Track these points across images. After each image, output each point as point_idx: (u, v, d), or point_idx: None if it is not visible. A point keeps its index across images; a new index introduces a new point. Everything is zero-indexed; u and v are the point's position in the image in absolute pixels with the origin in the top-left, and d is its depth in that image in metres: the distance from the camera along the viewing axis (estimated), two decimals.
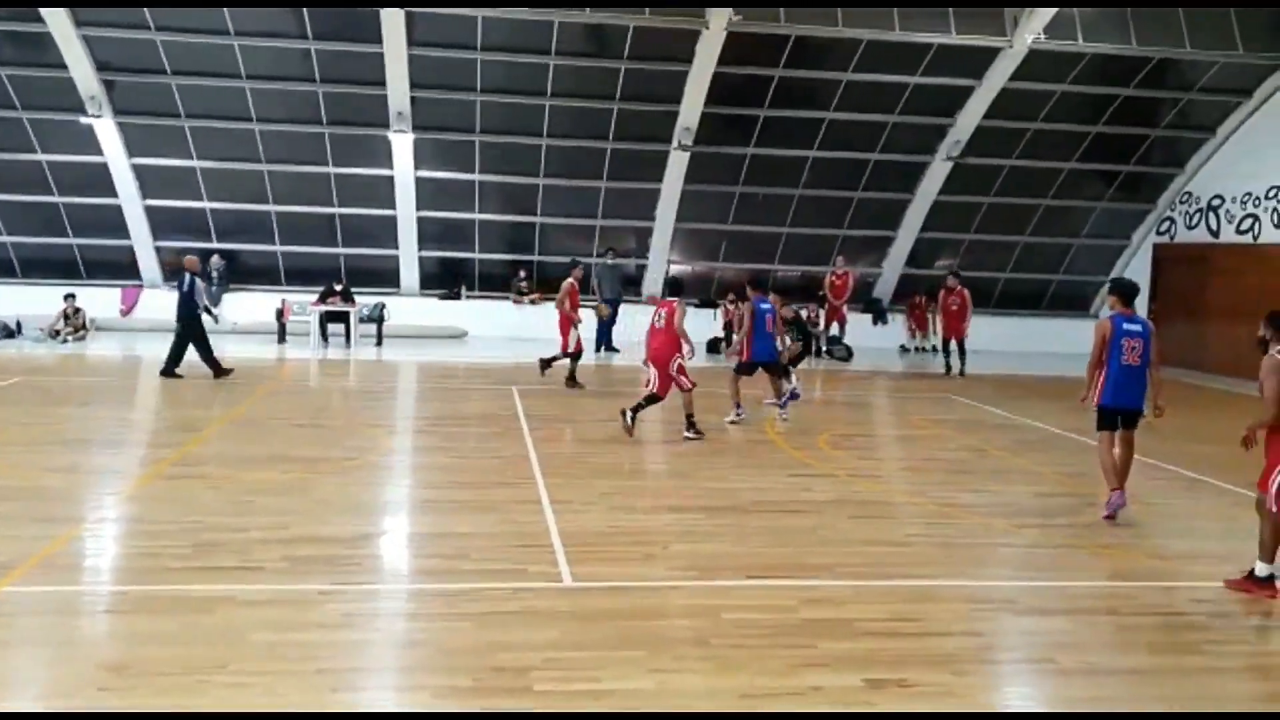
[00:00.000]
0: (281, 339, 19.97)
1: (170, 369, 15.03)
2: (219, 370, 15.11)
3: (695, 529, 8.17)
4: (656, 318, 12.33)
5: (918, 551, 7.93)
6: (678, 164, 20.67)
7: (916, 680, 5.40)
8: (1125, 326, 8.96)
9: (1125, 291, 9.17)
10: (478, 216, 21.78)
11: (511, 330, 21.55)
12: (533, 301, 22.05)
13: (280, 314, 20.19)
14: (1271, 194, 19.81)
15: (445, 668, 5.38)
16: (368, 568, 7.07)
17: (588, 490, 9.19)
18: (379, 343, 20.10)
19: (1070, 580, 7.27)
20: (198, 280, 15.51)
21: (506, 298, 22.17)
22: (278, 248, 21.72)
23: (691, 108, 19.81)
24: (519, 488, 9.21)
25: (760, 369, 13.30)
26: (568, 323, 15.92)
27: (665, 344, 12.06)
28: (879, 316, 22.98)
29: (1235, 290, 20.17)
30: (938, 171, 21.26)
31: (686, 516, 8.54)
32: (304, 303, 20.07)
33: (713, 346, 20.97)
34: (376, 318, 20.47)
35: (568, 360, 15.74)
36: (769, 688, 5.23)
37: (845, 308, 21.74)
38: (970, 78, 19.77)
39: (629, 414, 11.65)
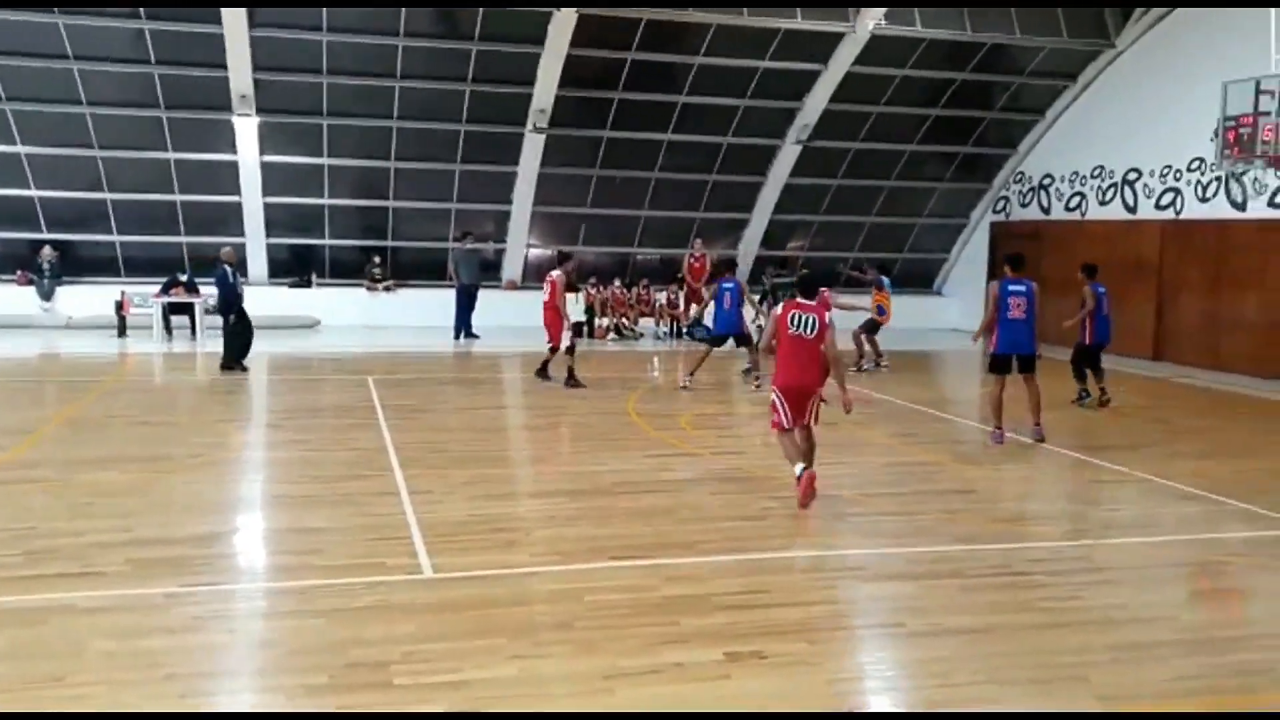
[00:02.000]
0: (122, 333, 19.07)
1: (240, 361, 15.31)
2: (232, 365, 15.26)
3: (557, 513, 8.18)
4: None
5: (773, 525, 8.12)
6: (533, 146, 20.55)
7: (773, 650, 5.54)
8: (1010, 288, 11.07)
9: (1012, 260, 11.41)
10: (327, 202, 21.24)
11: (366, 318, 21.14)
12: (387, 289, 21.66)
13: (120, 307, 19.26)
14: (1096, 173, 20.93)
15: (300, 667, 5.26)
16: (217, 568, 6.84)
17: (447, 480, 9.09)
18: None
19: (916, 546, 7.55)
20: (237, 273, 15.65)
21: (360, 285, 21.70)
22: (115, 237, 20.72)
23: (545, 90, 19.71)
24: (376, 479, 9.04)
25: (731, 339, 15.20)
26: (558, 318, 14.49)
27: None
28: None
29: (1066, 264, 21.12)
30: (788, 154, 21.72)
31: (548, 501, 8.55)
32: (145, 294, 19.20)
33: (575, 330, 20.91)
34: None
35: (561, 355, 14.60)
36: (630, 667, 5.28)
37: (704, 289, 22.01)
38: (816, 62, 20.24)
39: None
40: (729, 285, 15.07)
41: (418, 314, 21.18)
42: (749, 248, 23.27)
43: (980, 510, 8.72)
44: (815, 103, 20.85)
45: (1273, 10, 13.16)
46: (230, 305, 15.39)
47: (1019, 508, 9.12)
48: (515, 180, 21.22)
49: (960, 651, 5.65)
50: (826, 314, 8.67)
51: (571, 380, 14.39)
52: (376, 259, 21.82)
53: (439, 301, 20.70)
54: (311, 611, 5.99)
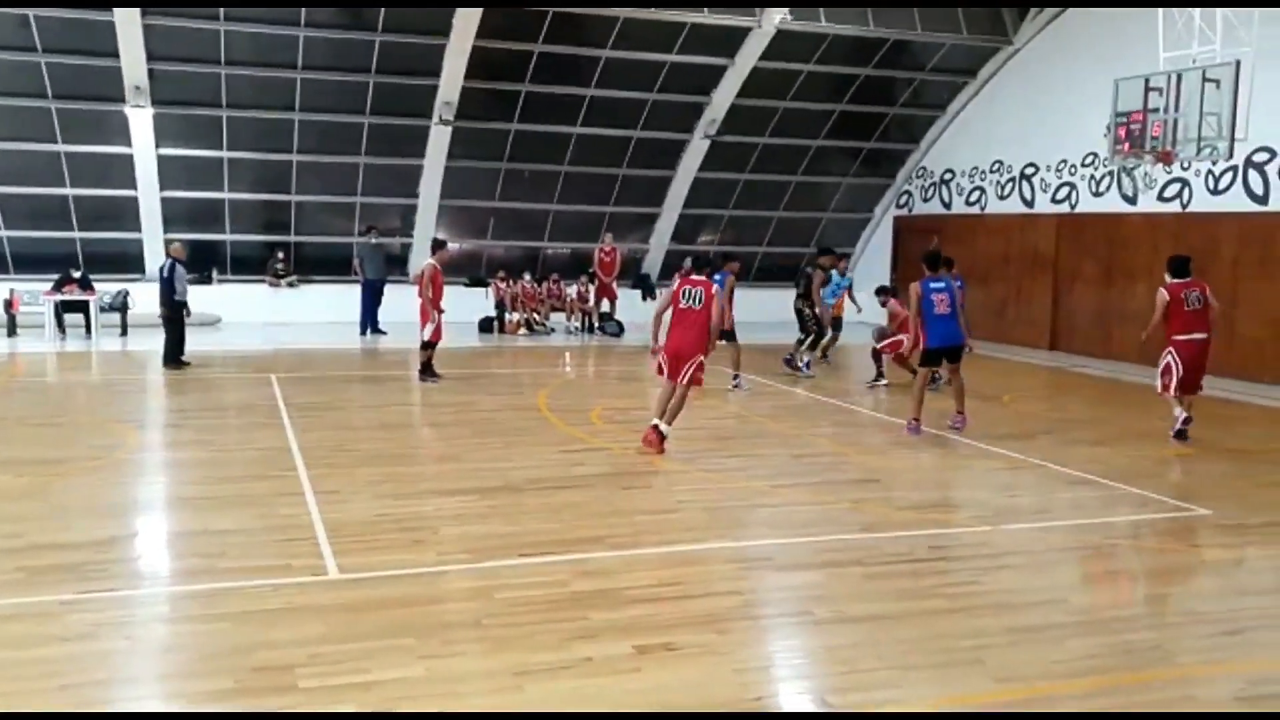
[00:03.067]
0: (11, 332, 18.38)
1: (176, 359, 15.25)
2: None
3: (466, 511, 8.13)
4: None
5: (684, 518, 8.20)
6: (439, 139, 20.35)
7: (682, 642, 5.60)
8: (931, 285, 11.60)
9: (928, 260, 12.10)
10: (228, 196, 20.74)
11: (269, 315, 20.72)
12: (291, 284, 21.25)
13: (8, 305, 18.56)
14: (995, 167, 21.51)
15: (204, 671, 5.15)
16: (116, 573, 6.64)
17: (353, 479, 8.98)
18: (124, 332, 18.86)
19: (822, 535, 7.69)
20: (179, 267, 15.26)
21: (263, 281, 21.25)
22: (3, 233, 19.94)
23: (451, 82, 19.52)
24: (280, 480, 8.89)
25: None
26: (427, 311, 14.22)
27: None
28: (648, 292, 23.45)
29: (966, 257, 21.69)
30: (696, 149, 21.87)
31: (457, 499, 8.49)
32: (36, 292, 18.54)
33: (485, 326, 20.88)
34: (120, 306, 19.15)
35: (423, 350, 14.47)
36: (541, 663, 5.29)
37: (615, 284, 22.08)
38: (723, 57, 20.41)
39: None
40: (716, 279, 14.51)
41: (322, 310, 20.82)
42: (660, 241, 23.38)
43: (883, 499, 8.91)
44: (723, 98, 21.02)
45: (1160, 10, 13.64)
46: (164, 300, 15.23)
47: (920, 496, 9.34)
48: (421, 173, 20.99)
49: (864, 638, 5.78)
50: (713, 289, 10.12)
51: (427, 372, 14.28)
52: (280, 254, 21.39)
53: (344, 297, 20.40)
54: (215, 615, 5.87)
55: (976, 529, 8.00)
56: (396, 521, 7.80)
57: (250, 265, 21.46)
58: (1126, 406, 14.11)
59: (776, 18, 19.39)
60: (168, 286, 15.22)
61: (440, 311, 14.19)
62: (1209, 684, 5.36)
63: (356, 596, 6.20)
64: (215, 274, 21.15)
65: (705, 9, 19.28)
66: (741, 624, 6.04)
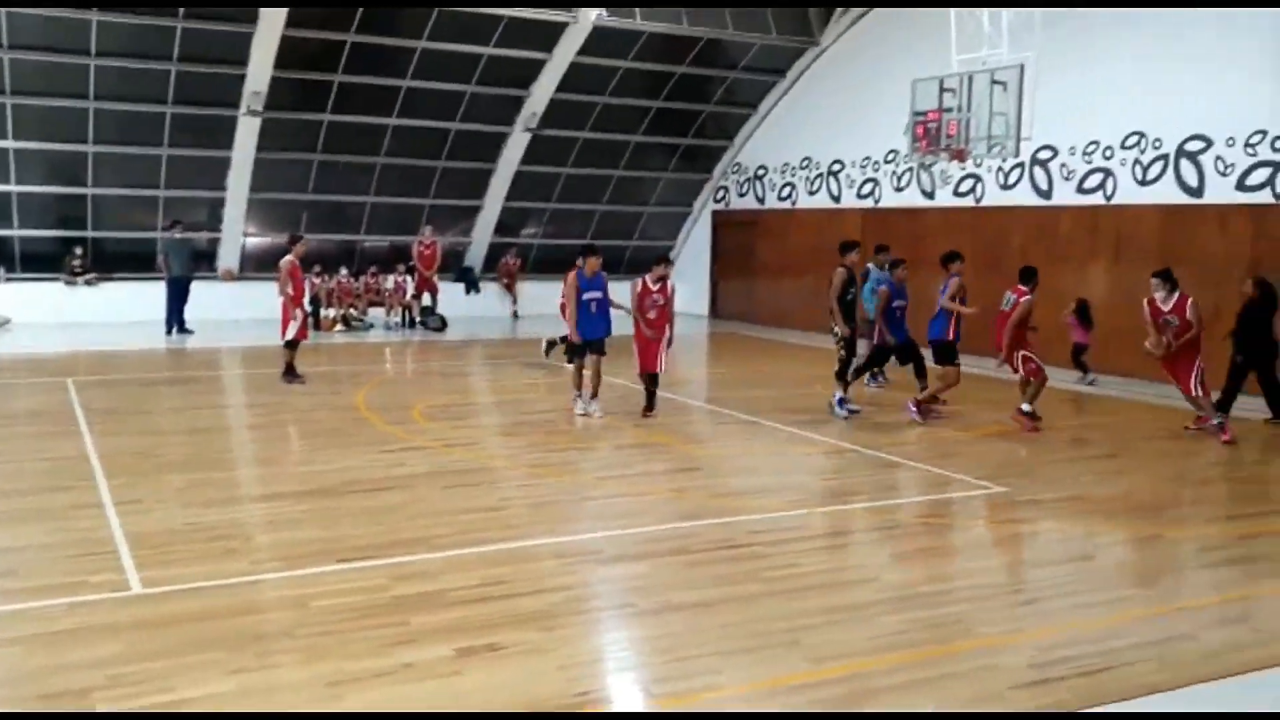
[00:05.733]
0: None
1: None
2: None
3: (280, 517, 7.86)
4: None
5: (510, 514, 8.16)
6: (248, 130, 19.54)
7: (506, 642, 5.56)
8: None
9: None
10: (15, 189, 19.35)
11: (65, 316, 19.46)
12: (89, 282, 20.03)
13: None
14: (804, 164, 22.22)
15: None
16: None
17: (159, 487, 8.55)
18: None
19: (645, 526, 7.79)
20: None
21: (58, 279, 19.95)
22: None
23: (260, 71, 18.75)
24: (77, 491, 8.37)
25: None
26: (289, 309, 13.53)
27: None
28: (471, 286, 23.19)
29: (780, 250, 22.51)
30: (517, 142, 21.74)
31: (271, 505, 8.21)
32: None
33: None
34: None
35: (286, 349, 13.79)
36: (359, 671, 5.16)
37: (436, 277, 21.76)
38: (541, 50, 20.34)
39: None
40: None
41: (125, 309, 19.73)
42: (483, 234, 23.15)
43: (703, 487, 9.10)
44: (542, 91, 20.96)
45: (952, 13, 14.33)
46: None
47: (739, 483, 9.57)
48: (229, 165, 20.12)
49: (686, 626, 5.88)
50: (1024, 297, 11.55)
51: (290, 373, 13.79)
52: (78, 250, 20.12)
53: (148, 295, 19.38)
54: (3, 640, 5.48)
55: (793, 513, 8.25)
56: (206, 530, 7.46)
57: (44, 262, 20.08)
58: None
59: (593, 14, 19.45)
60: None
61: (302, 309, 13.65)
62: (1007, 652, 5.68)
63: (161, 611, 5.90)
64: (3, 272, 19.73)
65: (521, 6, 19.14)
66: (566, 620, 6.04)
